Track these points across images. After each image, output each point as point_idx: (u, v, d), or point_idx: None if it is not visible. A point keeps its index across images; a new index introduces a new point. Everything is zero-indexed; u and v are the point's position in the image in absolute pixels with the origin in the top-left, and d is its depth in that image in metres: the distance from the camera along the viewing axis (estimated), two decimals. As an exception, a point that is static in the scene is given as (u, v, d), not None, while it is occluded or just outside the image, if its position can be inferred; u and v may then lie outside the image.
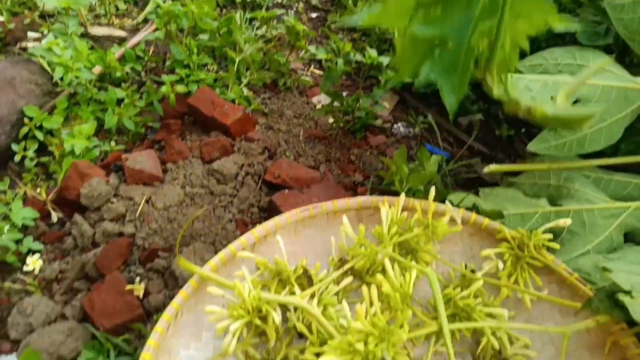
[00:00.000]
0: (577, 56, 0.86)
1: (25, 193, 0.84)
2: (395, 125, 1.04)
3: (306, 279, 0.63)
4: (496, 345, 0.58)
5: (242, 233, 0.69)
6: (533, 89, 0.79)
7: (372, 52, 1.12)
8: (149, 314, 0.68)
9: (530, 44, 0.59)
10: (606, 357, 0.59)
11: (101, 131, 1.00)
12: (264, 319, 0.57)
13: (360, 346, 0.47)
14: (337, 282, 0.66)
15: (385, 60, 1.12)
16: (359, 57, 1.13)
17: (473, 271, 0.65)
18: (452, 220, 0.69)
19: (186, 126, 0.98)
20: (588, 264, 0.65)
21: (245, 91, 1.08)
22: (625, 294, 0.52)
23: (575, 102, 0.79)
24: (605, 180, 0.76)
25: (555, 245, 0.64)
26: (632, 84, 0.76)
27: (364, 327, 0.49)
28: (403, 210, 0.70)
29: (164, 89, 1.00)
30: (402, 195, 0.68)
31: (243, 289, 0.57)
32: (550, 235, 0.65)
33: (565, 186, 0.77)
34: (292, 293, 0.61)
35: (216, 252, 0.66)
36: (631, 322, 0.55)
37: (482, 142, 1.02)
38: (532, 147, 0.81)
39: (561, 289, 0.63)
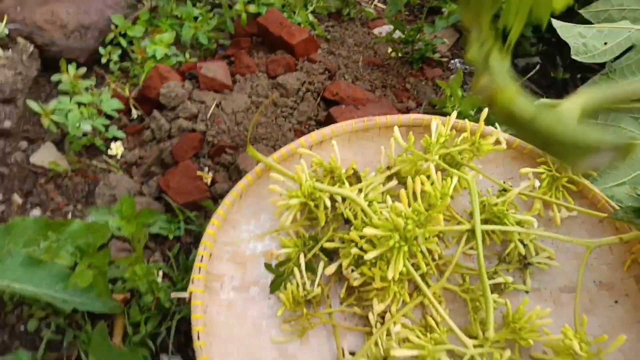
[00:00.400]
0: (644, 0, 0.85)
1: (110, 88, 0.94)
2: (452, 61, 1.07)
3: (355, 179, 0.71)
4: (522, 251, 0.64)
5: (300, 140, 0.77)
6: (586, 35, 0.80)
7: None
8: (215, 199, 0.78)
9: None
10: (624, 273, 0.64)
11: (177, 44, 1.08)
12: (317, 206, 0.65)
13: (400, 222, 0.54)
14: (383, 185, 0.73)
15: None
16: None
17: (507, 189, 0.70)
18: (497, 143, 0.74)
19: (254, 45, 1.05)
20: (622, 193, 0.69)
21: (311, 17, 1.13)
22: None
23: (630, 48, 0.80)
24: (653, 121, 0.79)
25: (593, 173, 0.68)
26: (694, 28, 0.76)
27: (404, 209, 0.56)
28: (452, 129, 0.75)
29: (237, 7, 1.07)
30: (454, 113, 0.73)
31: (301, 177, 0.64)
32: (590, 162, 0.69)
33: (612, 125, 0.80)
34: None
35: (276, 154, 0.74)
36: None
37: (537, 84, 1.04)
38: (583, 91, 0.84)
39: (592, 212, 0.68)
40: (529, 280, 0.66)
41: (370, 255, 0.54)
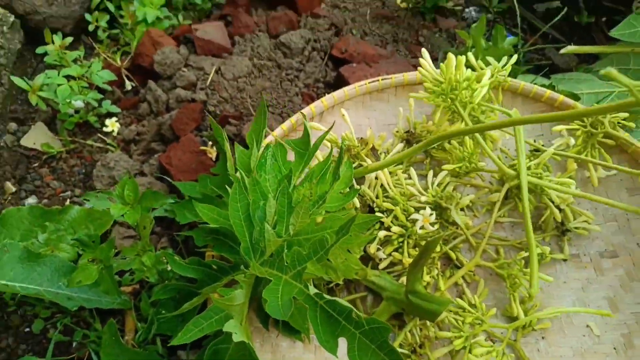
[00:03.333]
0: None
1: (101, 59, 0.87)
2: (467, 9, 0.99)
3: (370, 151, 0.65)
4: (558, 217, 0.59)
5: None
6: None
7: None
8: (221, 174, 0.73)
9: None
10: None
11: (169, 6, 1.00)
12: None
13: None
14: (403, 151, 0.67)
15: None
16: None
17: (539, 149, 0.64)
18: (525, 97, 0.68)
19: (252, 1, 0.97)
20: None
21: (311, -31, 1.04)
22: None
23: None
24: (694, 64, 0.72)
25: (631, 124, 0.62)
26: None
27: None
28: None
29: (230, -39, 0.98)
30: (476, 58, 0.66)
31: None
32: (626, 114, 0.62)
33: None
34: (361, 166, 0.62)
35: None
36: None
37: (558, 30, 0.96)
38: (615, 32, 0.76)
39: (632, 168, 0.62)
40: (567, 247, 0.61)
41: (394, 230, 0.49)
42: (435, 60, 0.87)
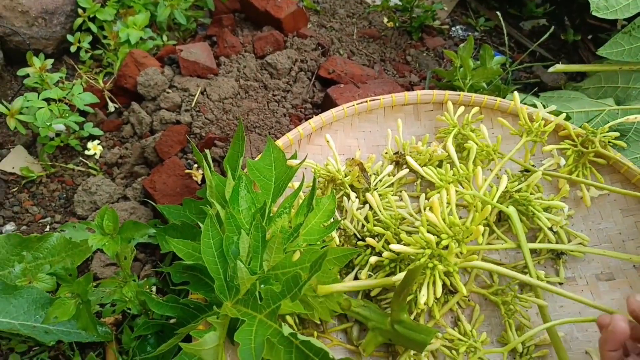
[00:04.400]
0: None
1: (83, 80, 0.85)
2: (453, 28, 0.99)
3: (361, 172, 0.63)
4: (553, 240, 0.58)
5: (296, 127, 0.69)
6: None
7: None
8: (207, 198, 0.70)
9: None
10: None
11: (153, 26, 0.99)
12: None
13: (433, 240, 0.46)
14: (393, 174, 0.66)
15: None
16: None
17: (529, 169, 0.63)
18: (515, 116, 0.67)
19: (238, 22, 0.96)
20: (656, 165, 0.62)
21: (297, -12, 1.04)
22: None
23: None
24: (680, 82, 0.72)
25: (622, 144, 0.62)
26: None
27: (438, 223, 0.48)
28: (464, 105, 0.68)
29: (215, -19, 0.97)
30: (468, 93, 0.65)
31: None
32: (617, 134, 0.62)
33: (635, 87, 0.73)
34: (347, 195, 0.61)
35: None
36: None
37: (545, 48, 0.96)
38: (602, 51, 0.76)
39: (625, 188, 0.61)
40: (563, 271, 0.60)
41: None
42: (423, 79, 0.87)
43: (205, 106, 0.77)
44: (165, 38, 0.95)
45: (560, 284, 0.59)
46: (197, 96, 0.78)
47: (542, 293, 0.58)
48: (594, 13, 0.73)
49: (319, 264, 0.37)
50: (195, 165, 0.71)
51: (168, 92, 0.79)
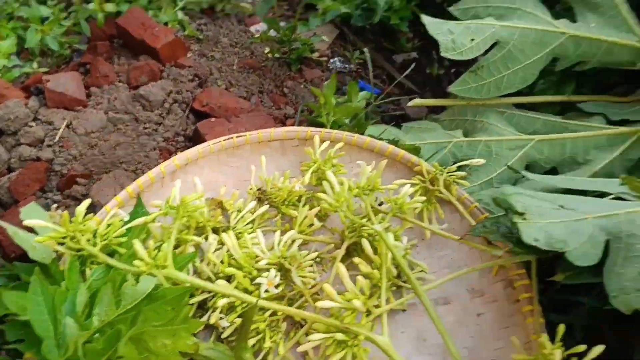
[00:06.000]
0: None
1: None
2: (332, 60, 1.04)
3: (221, 211, 0.65)
4: (394, 272, 0.63)
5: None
6: (455, 32, 0.81)
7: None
8: (69, 237, 0.69)
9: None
10: (493, 278, 0.65)
11: (23, 52, 0.95)
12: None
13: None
14: (254, 211, 0.68)
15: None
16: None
17: (382, 204, 0.68)
18: (371, 152, 0.72)
19: (115, 49, 0.95)
20: (488, 195, 0.70)
21: (181, 15, 1.04)
22: (519, 215, 0.56)
23: (494, 44, 0.81)
24: (517, 116, 0.82)
25: (465, 183, 0.68)
26: (550, 26, 0.78)
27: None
28: (328, 140, 0.71)
29: (91, 6, 0.95)
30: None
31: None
32: (464, 173, 0.68)
33: (480, 120, 0.81)
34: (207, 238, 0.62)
35: (136, 179, 0.66)
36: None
37: (412, 81, 1.03)
38: (452, 88, 0.84)
39: (462, 219, 0.68)
40: (405, 297, 0.65)
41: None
42: (298, 112, 0.90)
43: (69, 141, 0.75)
44: (36, 65, 0.92)
45: (404, 310, 0.64)
46: (61, 130, 0.76)
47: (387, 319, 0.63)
48: (442, 54, 0.80)
49: (136, 319, 0.39)
50: (55, 206, 0.69)
51: (30, 126, 0.76)
